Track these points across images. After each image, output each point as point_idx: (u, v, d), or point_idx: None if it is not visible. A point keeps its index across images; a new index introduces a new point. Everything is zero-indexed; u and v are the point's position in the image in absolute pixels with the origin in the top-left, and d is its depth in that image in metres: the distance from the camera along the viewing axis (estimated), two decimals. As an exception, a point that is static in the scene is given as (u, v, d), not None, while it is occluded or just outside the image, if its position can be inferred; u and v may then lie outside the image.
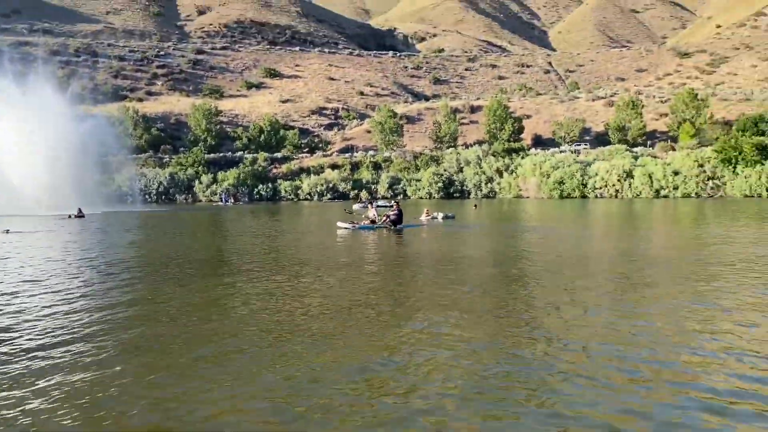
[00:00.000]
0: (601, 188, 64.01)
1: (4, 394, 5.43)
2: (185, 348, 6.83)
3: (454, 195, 70.66)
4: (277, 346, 6.87)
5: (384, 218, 25.12)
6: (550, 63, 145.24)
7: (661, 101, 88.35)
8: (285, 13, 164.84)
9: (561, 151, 73.38)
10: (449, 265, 13.73)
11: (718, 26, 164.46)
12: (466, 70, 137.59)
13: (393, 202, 32.74)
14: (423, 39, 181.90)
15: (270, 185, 73.20)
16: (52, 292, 10.45)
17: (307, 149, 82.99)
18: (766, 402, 5.10)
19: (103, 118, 66.53)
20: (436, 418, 4.84)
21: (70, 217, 34.33)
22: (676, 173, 62.10)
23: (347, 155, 79.27)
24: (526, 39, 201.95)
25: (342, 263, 14.29)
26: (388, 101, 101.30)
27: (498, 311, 8.60)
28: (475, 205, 47.92)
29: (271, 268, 13.26)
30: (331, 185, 71.76)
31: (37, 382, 5.71)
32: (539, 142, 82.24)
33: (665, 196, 60.92)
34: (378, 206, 33.41)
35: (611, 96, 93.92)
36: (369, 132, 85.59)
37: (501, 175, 70.29)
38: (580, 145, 76.72)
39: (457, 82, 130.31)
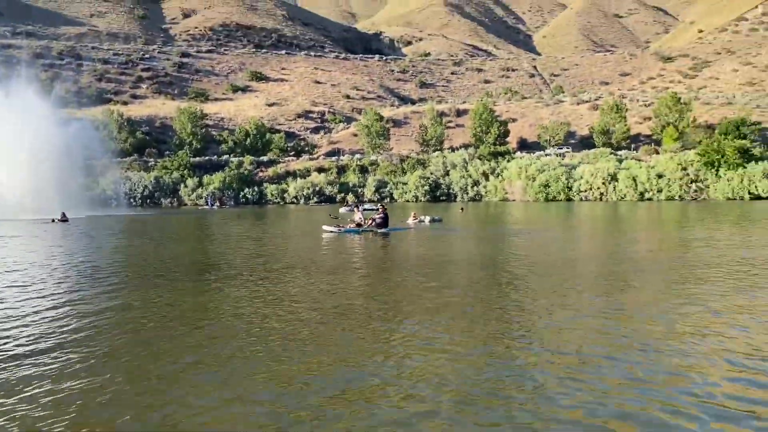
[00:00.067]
0: (585, 191, 64.46)
1: (-9, 401, 5.39)
2: (174, 354, 6.80)
3: (441, 198, 70.82)
4: (267, 352, 6.86)
5: (370, 222, 25.15)
6: (535, 67, 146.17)
7: (645, 105, 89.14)
8: (271, 16, 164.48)
9: (546, 155, 73.81)
10: (437, 268, 13.77)
11: (701, 31, 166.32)
12: (452, 73, 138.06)
13: (379, 205, 32.78)
14: (409, 43, 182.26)
15: (256, 189, 72.91)
16: (37, 298, 10.36)
17: (293, 153, 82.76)
18: (755, 404, 5.18)
19: (88, 122, 65.91)
20: (430, 425, 4.86)
21: (53, 221, 33.99)
22: (659, 176, 62.70)
23: (334, 159, 79.17)
24: (511, 43, 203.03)
25: (329, 267, 14.28)
26: (374, 105, 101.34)
27: (487, 315, 8.64)
28: (462, 209, 48.05)
29: (257, 273, 13.23)
30: (317, 189, 71.62)
31: (25, 390, 5.67)
32: (525, 145, 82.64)
33: (649, 199, 61.48)
34: (364, 209, 33.42)
35: (596, 100, 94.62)
36: (355, 135, 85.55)
37: (487, 179, 70.56)
38: (562, 148, 77.23)
39: (443, 86, 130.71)
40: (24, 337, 7.62)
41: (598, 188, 63.85)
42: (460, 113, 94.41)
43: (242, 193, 71.85)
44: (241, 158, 77.22)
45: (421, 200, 69.48)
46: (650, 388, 5.53)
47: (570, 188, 64.92)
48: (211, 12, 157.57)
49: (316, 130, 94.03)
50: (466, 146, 79.69)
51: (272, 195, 72.15)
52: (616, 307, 9.13)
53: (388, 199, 69.89)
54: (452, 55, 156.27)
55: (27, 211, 42.01)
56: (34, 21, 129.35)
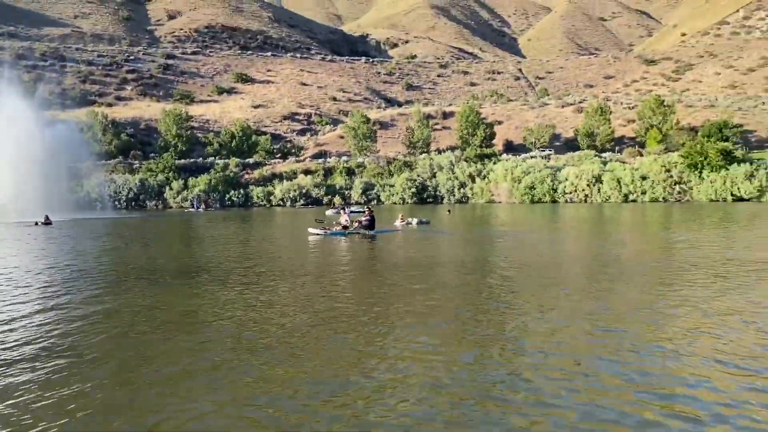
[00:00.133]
0: (570, 193, 64.89)
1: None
2: (164, 359, 6.75)
3: (428, 200, 70.95)
4: (258, 357, 6.82)
5: (356, 224, 25.15)
6: (520, 70, 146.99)
7: (629, 107, 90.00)
8: (256, 18, 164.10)
9: (532, 157, 74.23)
10: (426, 271, 13.77)
11: (683, 34, 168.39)
12: (439, 76, 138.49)
13: (365, 207, 32.78)
14: (395, 45, 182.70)
15: (242, 191, 72.59)
16: (22, 303, 10.22)
17: (279, 155, 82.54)
18: (748, 404, 5.25)
19: (72, 124, 65.31)
20: (426, 429, 4.88)
21: (36, 224, 33.61)
22: (643, 178, 63.29)
23: (320, 161, 79.05)
24: (496, 46, 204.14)
25: (317, 271, 14.25)
26: (361, 107, 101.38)
27: (478, 318, 8.65)
28: (449, 211, 48.19)
29: (244, 277, 13.17)
30: (304, 191, 71.44)
31: (13, 396, 5.60)
32: (511, 147, 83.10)
33: (633, 201, 62.01)
34: (351, 212, 33.40)
35: (580, 102, 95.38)
36: (342, 137, 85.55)
37: (473, 181, 70.79)
38: (545, 150, 77.71)
39: (429, 88, 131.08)
40: (10, 342, 7.52)
41: (583, 190, 64.30)
42: (446, 115, 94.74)
43: (228, 196, 71.51)
44: (226, 160, 76.87)
45: (408, 202, 69.56)
46: (643, 389, 5.56)
47: (555, 190, 65.33)
48: (196, 14, 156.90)
49: (302, 132, 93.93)
50: (452, 148, 79.94)
51: (258, 197, 71.88)
52: (606, 308, 9.19)
53: (375, 201, 69.90)
54: (438, 58, 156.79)
55: (9, 213, 41.52)
56: (16, 22, 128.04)
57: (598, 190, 63.87)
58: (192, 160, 77.47)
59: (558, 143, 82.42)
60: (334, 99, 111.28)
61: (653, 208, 49.65)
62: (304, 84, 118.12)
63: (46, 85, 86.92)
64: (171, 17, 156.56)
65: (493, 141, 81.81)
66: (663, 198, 61.78)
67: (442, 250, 19.51)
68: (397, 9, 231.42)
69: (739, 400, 5.35)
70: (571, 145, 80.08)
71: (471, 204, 67.04)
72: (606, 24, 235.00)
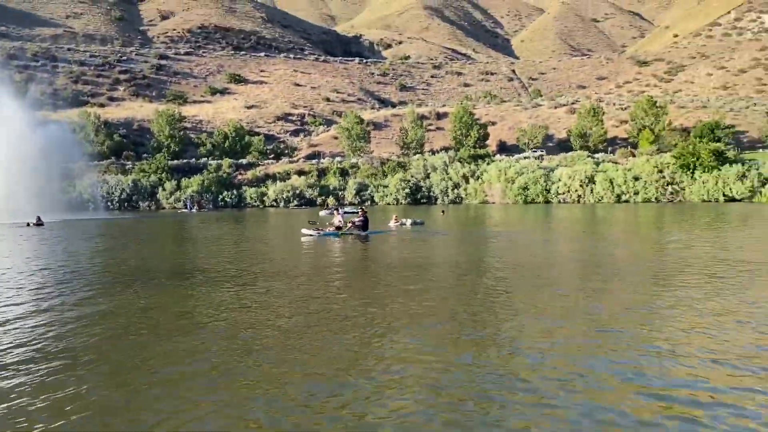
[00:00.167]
0: (564, 194, 65.04)
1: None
2: (160, 361, 6.72)
3: (421, 201, 70.96)
4: (251, 361, 6.79)
5: (350, 225, 25.14)
6: (513, 71, 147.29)
7: (621, 108, 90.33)
8: (249, 18, 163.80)
9: (525, 158, 74.39)
10: (422, 271, 13.77)
11: (675, 36, 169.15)
12: (432, 77, 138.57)
13: (359, 208, 32.76)
14: (389, 46, 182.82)
15: (235, 192, 72.37)
16: (15, 305, 10.16)
17: (272, 155, 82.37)
18: (743, 404, 5.27)
19: (64, 124, 65.00)
20: (425, 430, 4.88)
21: (28, 225, 33.43)
22: (636, 179, 63.52)
23: (314, 161, 78.92)
24: (490, 47, 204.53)
25: (311, 272, 14.23)
26: (354, 107, 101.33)
27: (474, 319, 8.65)
28: (443, 211, 48.21)
29: (238, 278, 13.13)
30: (297, 192, 71.29)
31: (6, 400, 5.57)
32: (504, 148, 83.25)
33: (626, 201, 62.22)
34: (345, 212, 33.39)
35: (573, 103, 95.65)
36: (336, 138, 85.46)
37: (467, 181, 70.85)
38: (536, 151, 77.90)
39: (423, 89, 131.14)
40: (3, 345, 7.48)
41: (576, 191, 64.45)
42: (440, 116, 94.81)
43: (221, 197, 71.28)
44: (219, 161, 76.63)
45: (401, 203, 69.55)
46: (640, 390, 5.58)
47: (548, 191, 65.46)
48: (189, 14, 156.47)
49: (295, 133, 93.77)
50: (446, 149, 79.98)
51: (251, 198, 71.69)
52: (601, 309, 9.21)
53: (369, 202, 69.85)
54: (432, 59, 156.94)
55: (1, 214, 41.26)
56: (7, 22, 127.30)
57: (591, 190, 64.05)
58: (185, 160, 77.18)
59: (551, 144, 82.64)
60: (328, 99, 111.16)
61: (646, 208, 49.84)
62: (298, 84, 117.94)
63: (38, 85, 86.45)
64: (164, 17, 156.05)
65: (487, 142, 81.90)
66: (655, 198, 62.03)
67: (436, 250, 19.51)
68: (391, 10, 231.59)
69: (734, 400, 5.37)
70: (564, 146, 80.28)
71: (465, 205, 67.09)
72: (599, 25, 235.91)
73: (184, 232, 31.20)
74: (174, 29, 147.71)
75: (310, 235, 23.99)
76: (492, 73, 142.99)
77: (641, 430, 4.81)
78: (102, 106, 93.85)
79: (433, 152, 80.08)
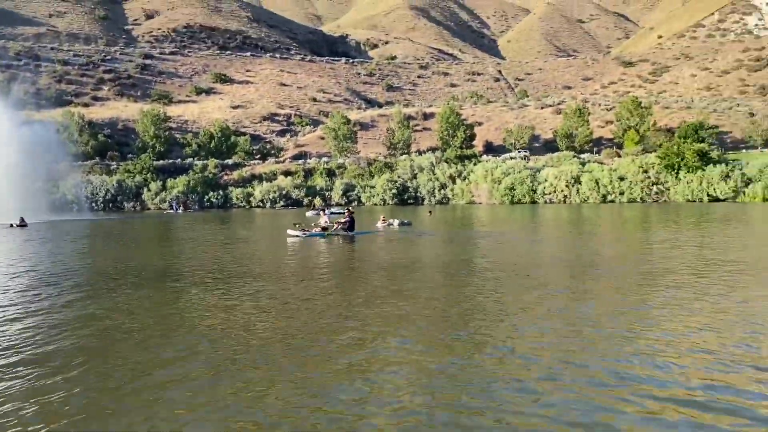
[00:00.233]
0: (550, 194, 65.36)
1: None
2: (147, 366, 6.61)
3: (408, 201, 71.01)
4: (239, 366, 6.70)
5: (336, 225, 25.06)
6: (500, 71, 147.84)
7: (607, 109, 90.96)
8: (235, 18, 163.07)
9: (511, 158, 74.68)
10: (410, 273, 13.72)
11: (660, 37, 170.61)
12: (419, 77, 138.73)
13: (345, 209, 32.68)
14: (375, 46, 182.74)
15: (221, 192, 72.05)
16: (-2, 307, 10.00)
17: (258, 156, 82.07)
18: (731, 405, 5.26)
19: (48, 124, 64.29)
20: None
21: (12, 226, 33.00)
22: (621, 179, 63.98)
23: (300, 162, 78.74)
24: (476, 47, 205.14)
25: (298, 275, 14.12)
26: (341, 108, 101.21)
27: (464, 320, 8.62)
28: (430, 212, 48.25)
29: (224, 281, 13.00)
30: (284, 192, 71.07)
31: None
32: (490, 148, 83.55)
33: (611, 201, 62.64)
34: (332, 213, 33.32)
35: (559, 104, 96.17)
36: (322, 138, 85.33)
37: (454, 182, 71.00)
38: (521, 152, 78.25)
39: (409, 90, 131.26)
40: (-15, 349, 7.33)
41: (562, 191, 64.80)
42: (426, 117, 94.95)
43: (207, 197, 70.93)
44: (205, 161, 76.25)
45: (388, 203, 69.55)
46: (633, 390, 5.56)
47: (534, 191, 65.76)
48: (174, 13, 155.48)
49: (282, 133, 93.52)
50: (433, 149, 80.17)
51: (238, 198, 71.40)
52: (591, 308, 9.21)
53: (356, 202, 69.80)
54: (418, 59, 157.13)
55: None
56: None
57: (577, 190, 64.41)
58: (170, 161, 76.73)
59: (537, 144, 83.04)
60: (314, 100, 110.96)
61: (631, 208, 50.18)
62: (284, 84, 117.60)
63: (21, 84, 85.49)
64: (148, 17, 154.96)
65: (474, 142, 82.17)
66: (640, 198, 62.49)
67: (425, 251, 19.48)
68: (377, 10, 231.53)
69: (729, 399, 5.37)
70: (550, 146, 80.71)
71: (451, 205, 67.22)
72: (584, 26, 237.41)
73: (170, 233, 30.95)
74: (159, 28, 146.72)
75: (296, 236, 23.88)
76: (478, 74, 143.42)
77: (635, 430, 4.80)
78: (86, 105, 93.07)
79: (419, 153, 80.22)
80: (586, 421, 4.94)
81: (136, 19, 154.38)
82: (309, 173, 75.57)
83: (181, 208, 63.50)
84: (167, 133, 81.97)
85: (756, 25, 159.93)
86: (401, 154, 79.21)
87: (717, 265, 13.67)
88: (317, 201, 68.05)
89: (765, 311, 8.81)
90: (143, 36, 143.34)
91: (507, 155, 76.99)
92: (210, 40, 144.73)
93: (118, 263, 16.70)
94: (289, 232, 24.69)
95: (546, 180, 65.96)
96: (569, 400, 5.38)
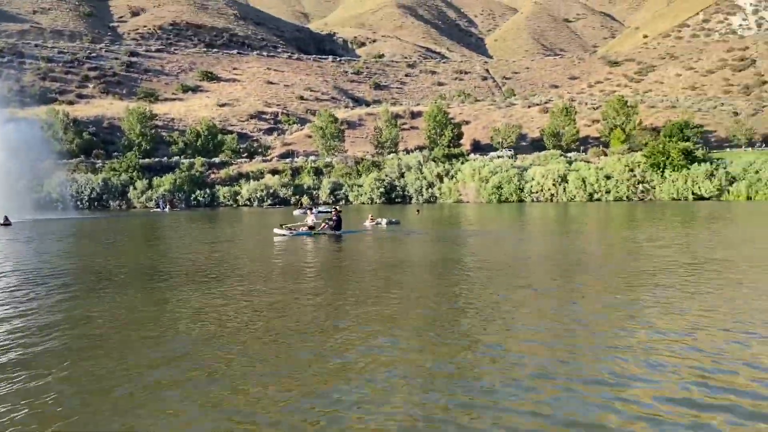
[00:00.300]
0: (537, 192, 65.64)
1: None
2: (137, 369, 6.56)
3: (396, 200, 71.02)
4: (233, 368, 6.68)
5: (323, 225, 25.04)
6: (487, 70, 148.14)
7: (593, 108, 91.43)
8: (222, 15, 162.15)
9: (499, 157, 74.90)
10: (399, 272, 13.73)
11: (645, 36, 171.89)
12: (406, 75, 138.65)
13: (332, 208, 32.63)
14: (363, 44, 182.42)
15: (208, 191, 71.64)
16: (-16, 308, 9.88)
17: (246, 154, 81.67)
18: (719, 405, 5.31)
19: (33, 121, 63.58)
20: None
21: (-4, 225, 32.68)
22: (608, 177, 64.39)
23: (287, 160, 78.46)
24: (464, 46, 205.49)
25: (286, 275, 14.07)
26: (328, 106, 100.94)
27: (455, 322, 8.64)
28: (418, 210, 48.31)
29: (212, 281, 12.93)
30: (271, 191, 70.81)
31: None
32: (478, 147, 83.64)
33: (598, 200, 63.04)
34: (319, 212, 33.25)
35: (546, 103, 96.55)
36: (310, 137, 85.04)
37: (441, 181, 71.08)
38: (504, 151, 78.46)
39: (397, 88, 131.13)
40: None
41: (549, 189, 65.10)
42: (414, 115, 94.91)
43: (194, 196, 70.50)
44: (192, 160, 75.76)
45: (376, 202, 69.53)
46: (628, 391, 5.61)
47: (522, 189, 66.00)
48: (160, 10, 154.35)
49: (269, 132, 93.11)
50: (420, 148, 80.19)
51: (225, 197, 71.04)
52: (580, 308, 9.27)
53: (344, 201, 69.72)
54: (406, 57, 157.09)
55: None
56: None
57: (564, 189, 64.74)
58: (156, 159, 76.17)
59: (524, 143, 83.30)
60: (302, 98, 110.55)
61: (617, 206, 50.54)
62: (271, 82, 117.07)
63: (4, 81, 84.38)
64: (134, 14, 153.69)
65: (461, 141, 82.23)
66: (627, 197, 62.95)
67: (413, 250, 19.51)
68: (365, 8, 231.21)
69: (717, 397, 5.42)
70: (537, 145, 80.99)
71: (439, 204, 67.33)
72: (571, 25, 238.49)
73: (157, 232, 30.76)
74: (145, 26, 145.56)
75: (283, 235, 23.84)
76: (466, 72, 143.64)
77: (632, 429, 4.82)
78: (71, 103, 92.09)
79: (407, 151, 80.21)
80: (583, 421, 4.98)
81: (121, 16, 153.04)
82: (296, 172, 75.32)
83: (167, 206, 63.10)
84: (153, 131, 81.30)
85: (740, 25, 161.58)
86: (389, 153, 79.17)
87: (705, 263, 13.81)
88: (305, 200, 67.86)
89: (754, 309, 8.92)
90: (129, 33, 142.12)
91: (493, 154, 77.18)
92: (196, 38, 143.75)
93: (106, 263, 16.58)
94: (276, 230, 24.64)
95: (533, 179, 66.24)
96: (564, 398, 5.42)
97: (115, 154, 76.73)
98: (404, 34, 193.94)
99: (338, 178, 73.15)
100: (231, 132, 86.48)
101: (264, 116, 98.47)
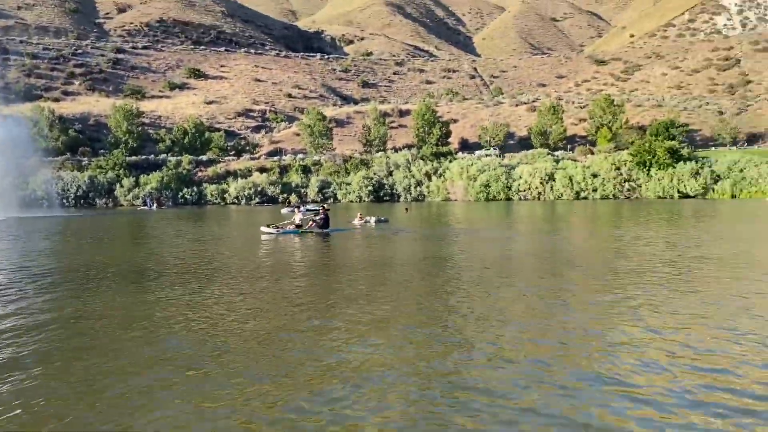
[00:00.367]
0: (524, 191, 65.92)
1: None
2: (127, 369, 6.54)
3: (384, 198, 71.02)
4: (228, 369, 6.66)
5: (311, 223, 25.03)
6: (475, 68, 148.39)
7: (580, 107, 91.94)
8: (209, 12, 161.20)
9: (486, 155, 75.14)
10: (388, 271, 13.75)
11: (632, 36, 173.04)
12: (395, 74, 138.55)
13: (320, 206, 32.61)
14: (351, 42, 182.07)
15: (195, 189, 71.25)
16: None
17: (233, 152, 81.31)
18: (709, 406, 5.40)
19: (19, 118, 62.94)
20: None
21: (-20, 224, 32.37)
22: (594, 176, 64.81)
23: (276, 158, 78.23)
24: (452, 44, 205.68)
25: (275, 273, 14.03)
26: (316, 104, 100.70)
27: (446, 321, 8.67)
28: (407, 209, 48.36)
29: (201, 280, 12.88)
30: (259, 189, 70.58)
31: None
32: (466, 146, 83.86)
33: (585, 198, 63.43)
34: (308, 210, 33.18)
35: (533, 101, 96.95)
36: (298, 135, 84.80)
37: (430, 179, 71.18)
38: (489, 149, 78.70)
39: (385, 86, 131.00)
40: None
41: (536, 188, 65.41)
42: (402, 113, 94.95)
43: (181, 194, 70.11)
44: (179, 157, 75.33)
45: (364, 200, 69.50)
46: (623, 390, 5.66)
47: (509, 188, 66.26)
48: (147, 7, 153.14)
49: (257, 129, 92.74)
50: (408, 146, 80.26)
51: (212, 195, 70.71)
52: (570, 306, 9.33)
53: (332, 199, 69.63)
54: (394, 55, 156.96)
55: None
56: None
57: (551, 187, 65.07)
58: (143, 157, 75.66)
59: (512, 142, 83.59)
60: (290, 96, 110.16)
61: (604, 205, 50.87)
62: (259, 80, 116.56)
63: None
64: (121, 10, 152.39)
65: (449, 139, 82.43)
66: (613, 195, 63.40)
67: (402, 248, 19.55)
68: (353, 5, 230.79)
69: (699, 399, 5.50)
70: (524, 144, 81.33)
71: (427, 202, 67.42)
72: (558, 24, 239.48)
73: (145, 231, 30.59)
74: (131, 22, 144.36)
75: (270, 233, 23.80)
76: (454, 71, 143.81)
77: (629, 428, 4.90)
78: (56, 100, 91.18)
79: (395, 150, 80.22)
80: (580, 420, 5.03)
81: (107, 13, 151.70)
82: (284, 170, 75.14)
83: (154, 204, 62.74)
84: (140, 128, 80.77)
85: (725, 25, 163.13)
86: (377, 151, 79.15)
87: (693, 261, 13.96)
88: (293, 198, 67.67)
89: (743, 306, 9.04)
90: (115, 30, 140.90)
91: (480, 152, 77.42)
92: (183, 35, 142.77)
93: (93, 261, 16.48)
94: (263, 229, 24.60)
95: (521, 177, 66.52)
96: (558, 396, 5.47)
97: (102, 151, 76.15)
98: (392, 32, 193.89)
99: (326, 176, 73.05)
100: (218, 130, 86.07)
101: (252, 114, 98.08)
